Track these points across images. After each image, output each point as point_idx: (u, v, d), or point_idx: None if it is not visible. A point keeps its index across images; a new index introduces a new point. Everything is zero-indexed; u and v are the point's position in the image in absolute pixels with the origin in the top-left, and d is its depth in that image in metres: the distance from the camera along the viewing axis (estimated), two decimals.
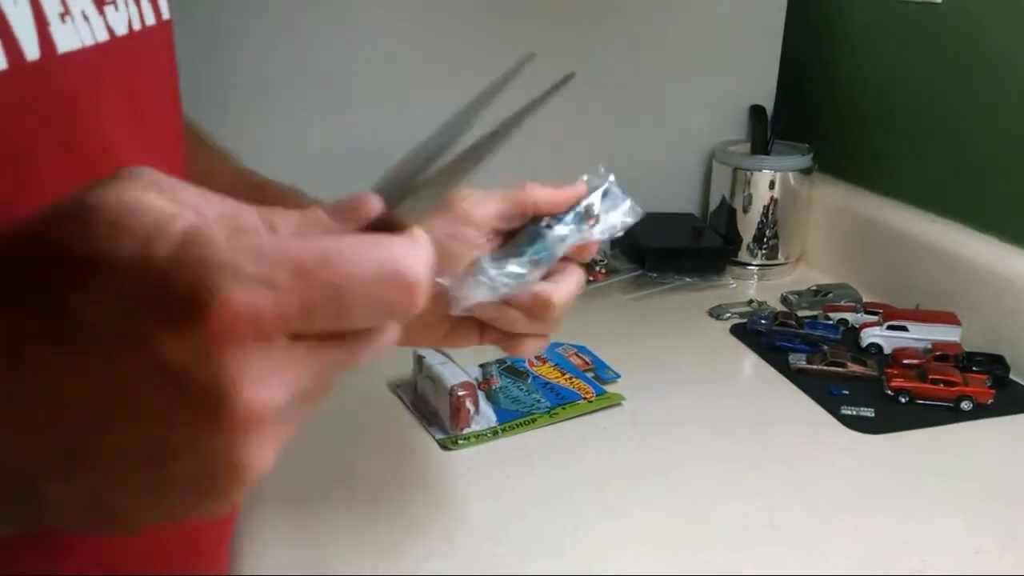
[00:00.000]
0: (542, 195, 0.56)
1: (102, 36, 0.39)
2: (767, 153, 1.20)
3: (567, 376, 0.89)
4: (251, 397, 0.24)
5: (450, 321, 0.57)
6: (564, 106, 1.18)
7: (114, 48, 0.40)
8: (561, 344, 0.96)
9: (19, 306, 0.24)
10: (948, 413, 0.83)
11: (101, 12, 0.39)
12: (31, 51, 0.34)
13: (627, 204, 0.61)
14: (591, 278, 1.13)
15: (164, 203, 0.25)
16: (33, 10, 0.34)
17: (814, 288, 1.11)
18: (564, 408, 0.83)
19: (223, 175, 0.60)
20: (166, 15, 0.47)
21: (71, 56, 0.37)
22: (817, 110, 1.25)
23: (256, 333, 0.24)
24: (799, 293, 1.10)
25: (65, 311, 0.24)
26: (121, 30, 0.41)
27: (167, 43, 0.47)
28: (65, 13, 0.36)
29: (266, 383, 0.24)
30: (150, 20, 0.44)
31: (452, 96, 1.26)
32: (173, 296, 0.23)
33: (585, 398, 0.85)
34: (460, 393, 0.78)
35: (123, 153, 0.40)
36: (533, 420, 0.81)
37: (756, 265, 1.19)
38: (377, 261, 0.26)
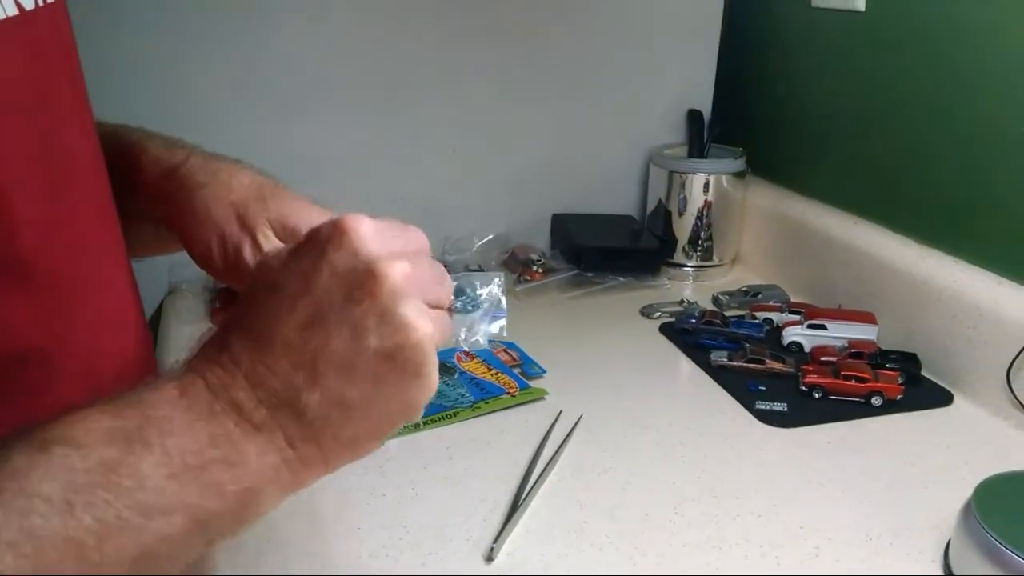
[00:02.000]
0: None
1: (12, 11, 0.40)
2: (703, 156, 1.23)
3: (493, 372, 0.91)
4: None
5: None
6: (507, 109, 1.21)
7: (23, 21, 0.41)
8: (491, 341, 0.98)
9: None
10: (859, 408, 0.86)
11: None
12: None
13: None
14: (528, 277, 1.15)
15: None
16: None
17: (744, 289, 1.14)
18: (487, 402, 0.85)
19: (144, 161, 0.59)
20: None
21: None
22: (751, 115, 1.28)
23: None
24: (730, 293, 1.13)
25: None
26: (29, 5, 0.42)
27: (66, 20, 0.48)
28: None
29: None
30: None
31: (389, 104, 1.25)
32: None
33: (508, 392, 0.87)
34: None
35: (18, 117, 0.41)
36: (455, 414, 0.83)
37: (692, 266, 1.21)
38: None
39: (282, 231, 0.55)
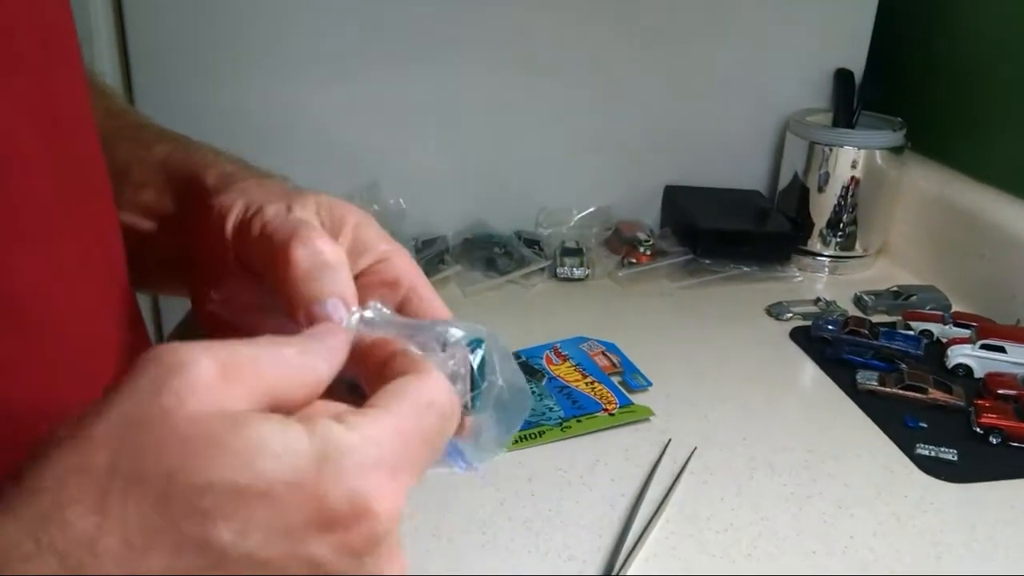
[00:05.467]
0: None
1: None
2: (851, 126, 1.03)
3: (589, 380, 0.76)
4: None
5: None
6: (617, 63, 1.04)
7: None
8: (587, 340, 0.83)
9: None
10: None
11: None
12: None
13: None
14: (633, 260, 0.99)
15: (277, 424, 0.24)
16: None
17: (894, 289, 0.95)
18: (580, 421, 0.70)
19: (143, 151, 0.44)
20: None
21: None
22: (914, 78, 1.07)
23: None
24: (876, 294, 0.94)
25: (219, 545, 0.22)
26: None
27: None
28: None
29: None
30: None
31: (487, 58, 1.04)
32: (335, 515, 0.24)
33: (606, 410, 0.72)
34: None
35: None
36: (541, 433, 0.69)
37: (828, 256, 1.03)
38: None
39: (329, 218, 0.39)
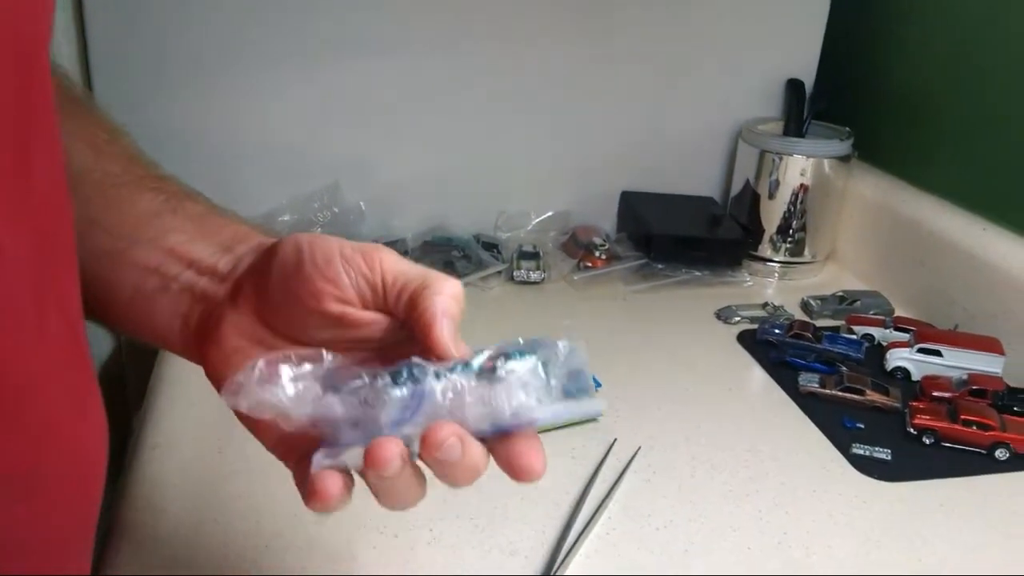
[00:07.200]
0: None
1: None
2: (802, 135, 1.06)
3: None
4: None
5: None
6: (576, 71, 1.06)
7: None
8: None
9: None
10: (980, 461, 0.71)
11: None
12: None
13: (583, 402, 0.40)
14: (589, 264, 1.01)
15: None
16: None
17: (840, 294, 0.98)
18: None
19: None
20: None
21: None
22: (863, 89, 1.10)
23: None
24: (822, 299, 0.97)
25: None
26: None
27: None
28: None
29: None
30: None
31: (445, 60, 1.05)
32: None
33: None
34: None
35: None
36: None
37: (778, 262, 1.06)
38: None
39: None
